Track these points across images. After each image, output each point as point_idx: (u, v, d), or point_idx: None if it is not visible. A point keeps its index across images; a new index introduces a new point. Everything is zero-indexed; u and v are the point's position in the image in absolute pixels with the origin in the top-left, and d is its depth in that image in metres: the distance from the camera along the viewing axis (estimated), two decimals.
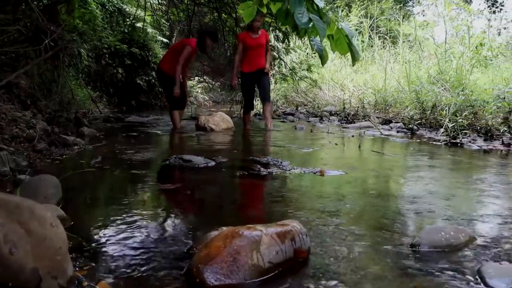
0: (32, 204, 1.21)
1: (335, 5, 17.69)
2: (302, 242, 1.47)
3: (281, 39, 8.58)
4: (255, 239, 1.36)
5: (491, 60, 8.29)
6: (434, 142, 5.12)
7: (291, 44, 10.21)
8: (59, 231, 1.19)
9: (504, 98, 5.74)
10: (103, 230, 1.75)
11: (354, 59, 2.73)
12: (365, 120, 7.61)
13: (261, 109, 7.73)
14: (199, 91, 13.96)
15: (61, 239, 1.18)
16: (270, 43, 6.90)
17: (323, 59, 2.74)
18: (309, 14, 2.41)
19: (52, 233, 1.17)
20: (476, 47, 8.51)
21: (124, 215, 1.95)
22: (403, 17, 14.67)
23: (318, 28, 2.39)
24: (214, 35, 6.17)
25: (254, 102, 7.42)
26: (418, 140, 5.38)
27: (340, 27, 2.63)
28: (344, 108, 8.81)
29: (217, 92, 17.16)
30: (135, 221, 1.88)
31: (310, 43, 2.70)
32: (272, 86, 11.08)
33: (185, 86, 6.52)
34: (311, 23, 2.42)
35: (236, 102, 11.12)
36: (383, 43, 11.83)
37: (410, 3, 21.29)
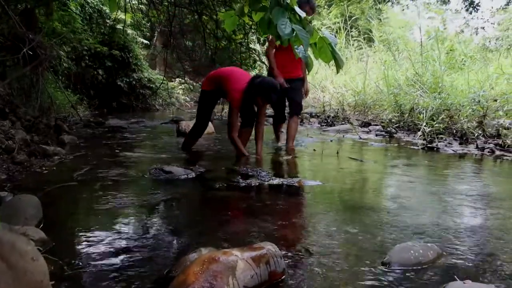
0: (13, 237, 1.24)
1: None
2: (277, 264, 1.53)
3: (262, 41, 8.62)
4: (231, 264, 1.42)
5: (465, 63, 8.49)
6: (412, 146, 5.24)
7: None
8: (40, 264, 1.23)
9: (479, 101, 5.90)
10: (84, 252, 1.78)
11: (338, 66, 2.79)
12: (345, 123, 7.72)
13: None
14: (180, 92, 13.93)
15: (42, 273, 1.22)
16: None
17: (309, 66, 2.81)
18: (292, 25, 2.46)
19: (33, 267, 1.20)
20: (447, 53, 8.71)
21: (104, 235, 1.98)
22: (382, 18, 14.83)
23: (302, 38, 2.44)
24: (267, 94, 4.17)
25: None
26: (396, 144, 5.50)
27: (323, 35, 2.69)
28: (324, 110, 8.91)
29: (198, 93, 17.11)
30: (116, 241, 1.91)
31: (294, 51, 2.75)
32: None
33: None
34: (294, 33, 2.46)
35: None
36: (359, 44, 11.97)
37: (390, 3, 21.49)
